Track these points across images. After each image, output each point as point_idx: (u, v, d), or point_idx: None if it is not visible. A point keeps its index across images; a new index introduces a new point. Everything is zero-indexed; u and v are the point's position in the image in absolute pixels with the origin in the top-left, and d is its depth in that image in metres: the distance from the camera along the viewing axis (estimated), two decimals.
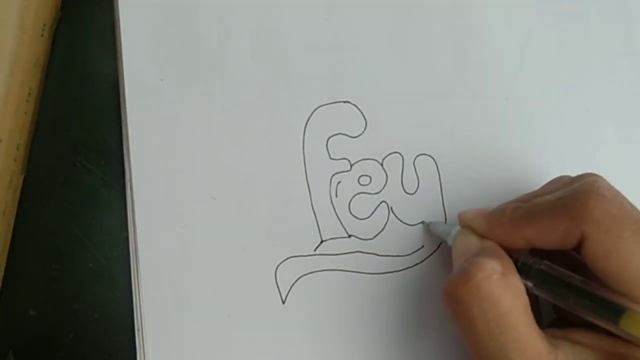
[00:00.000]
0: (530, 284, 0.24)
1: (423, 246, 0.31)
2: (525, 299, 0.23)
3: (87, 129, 0.31)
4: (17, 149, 0.29)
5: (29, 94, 0.29)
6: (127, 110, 0.30)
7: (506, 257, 0.24)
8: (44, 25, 0.30)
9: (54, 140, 0.31)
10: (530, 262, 0.25)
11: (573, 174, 0.27)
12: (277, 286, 0.30)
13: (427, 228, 0.30)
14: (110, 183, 0.31)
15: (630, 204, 0.23)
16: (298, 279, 0.30)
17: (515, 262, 0.25)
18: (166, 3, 0.31)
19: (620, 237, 0.22)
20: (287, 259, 0.30)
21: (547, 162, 0.32)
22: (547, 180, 0.28)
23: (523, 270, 0.24)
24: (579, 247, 0.23)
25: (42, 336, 0.29)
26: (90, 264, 0.30)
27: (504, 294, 0.22)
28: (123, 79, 0.30)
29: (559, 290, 0.24)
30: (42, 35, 0.30)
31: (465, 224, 0.27)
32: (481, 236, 0.26)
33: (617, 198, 0.23)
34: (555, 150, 0.32)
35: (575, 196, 0.23)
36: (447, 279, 0.24)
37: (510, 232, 0.25)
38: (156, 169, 0.30)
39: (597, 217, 0.22)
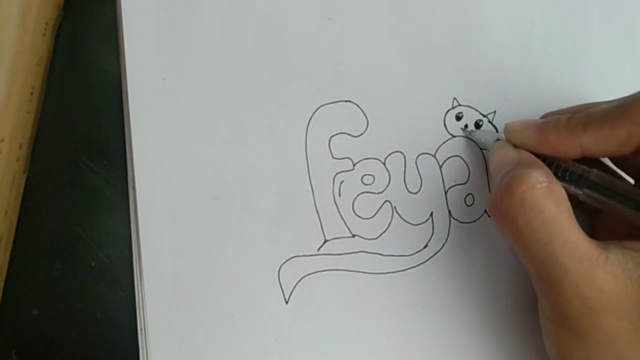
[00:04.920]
0: (580, 192, 0.24)
1: (427, 246, 0.31)
2: (568, 205, 0.23)
3: (90, 128, 0.31)
4: (20, 148, 0.29)
5: (32, 93, 0.29)
6: (130, 109, 0.30)
7: (545, 166, 0.25)
8: (47, 24, 0.30)
9: (56, 139, 0.31)
10: (579, 171, 0.25)
11: None
12: (280, 286, 0.30)
13: (470, 135, 0.30)
14: (113, 182, 0.31)
15: None
16: (301, 278, 0.30)
17: (564, 171, 0.25)
18: (168, 2, 0.31)
19: None
20: (290, 258, 0.30)
21: None
22: None
23: (572, 179, 0.25)
24: (636, 152, 0.24)
25: (45, 335, 0.29)
26: (93, 264, 0.30)
27: (548, 202, 0.23)
28: (125, 78, 0.30)
29: (611, 197, 0.24)
30: (44, 34, 0.29)
31: (513, 134, 0.27)
32: (518, 147, 0.27)
33: None
34: None
35: (637, 101, 0.23)
36: (491, 193, 0.25)
37: (565, 139, 0.25)
38: (158, 168, 0.30)
39: None
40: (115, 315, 0.30)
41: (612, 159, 0.28)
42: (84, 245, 0.30)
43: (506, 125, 0.28)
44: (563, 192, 0.24)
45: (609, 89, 0.33)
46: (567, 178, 0.25)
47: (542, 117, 0.29)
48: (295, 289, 0.30)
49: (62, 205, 0.30)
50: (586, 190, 0.24)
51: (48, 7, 0.29)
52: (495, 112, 0.32)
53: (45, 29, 0.29)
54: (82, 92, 0.31)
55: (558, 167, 0.25)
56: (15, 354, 0.29)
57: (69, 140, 0.31)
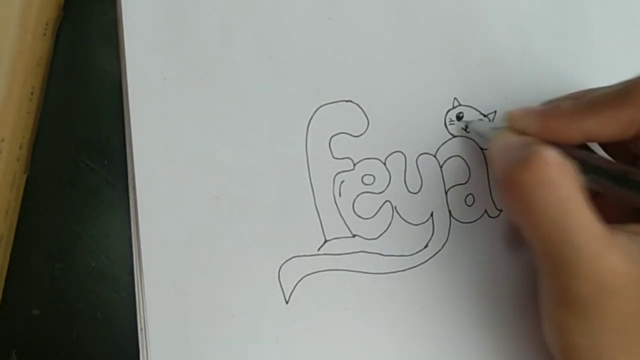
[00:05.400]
0: (584, 178, 0.24)
1: (427, 246, 0.31)
2: (581, 185, 0.23)
3: (90, 128, 0.31)
4: (20, 148, 0.29)
5: (32, 92, 0.29)
6: (130, 109, 0.30)
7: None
8: (47, 24, 0.30)
9: (57, 139, 0.31)
10: (583, 157, 0.24)
11: None
12: (281, 286, 0.30)
13: (467, 126, 0.30)
14: (113, 182, 0.31)
15: None
16: (301, 278, 0.30)
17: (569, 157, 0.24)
18: (169, 2, 0.31)
19: None
20: (290, 258, 0.30)
21: None
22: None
23: (576, 166, 0.24)
24: (638, 137, 0.24)
25: (45, 336, 0.29)
26: (93, 264, 0.30)
27: (564, 178, 0.22)
28: (125, 78, 0.30)
29: (617, 183, 0.23)
30: (44, 34, 0.29)
31: (514, 122, 0.26)
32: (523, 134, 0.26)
33: None
34: None
35: (639, 84, 0.23)
36: (505, 167, 0.24)
37: (568, 125, 0.24)
38: (159, 168, 0.30)
39: None
40: (115, 316, 0.30)
41: (603, 146, 0.28)
42: (84, 245, 0.30)
43: (507, 112, 0.27)
44: (576, 172, 0.23)
45: None
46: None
47: (542, 104, 0.29)
48: (296, 289, 0.30)
49: (62, 205, 0.30)
50: (591, 176, 0.24)
51: (48, 7, 0.29)
52: (495, 112, 0.32)
53: (46, 29, 0.29)
54: (83, 91, 0.31)
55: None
56: (16, 354, 0.29)
57: (69, 140, 0.31)
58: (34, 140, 0.30)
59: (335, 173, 0.31)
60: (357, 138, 0.31)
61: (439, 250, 0.31)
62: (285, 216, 0.30)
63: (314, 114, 0.31)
